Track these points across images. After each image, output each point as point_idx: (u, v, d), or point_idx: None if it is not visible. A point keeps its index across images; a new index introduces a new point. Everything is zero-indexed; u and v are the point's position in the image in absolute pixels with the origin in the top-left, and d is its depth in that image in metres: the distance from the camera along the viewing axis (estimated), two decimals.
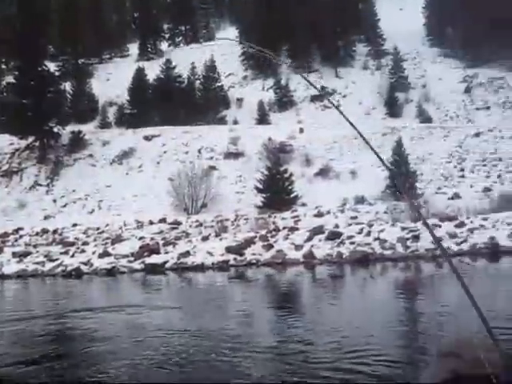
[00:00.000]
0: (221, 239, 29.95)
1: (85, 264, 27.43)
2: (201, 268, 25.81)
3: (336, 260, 25.44)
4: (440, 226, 27.35)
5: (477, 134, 56.31)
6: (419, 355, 8.57)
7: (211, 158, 56.00)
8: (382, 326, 10.98)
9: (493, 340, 2.34)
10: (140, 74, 73.79)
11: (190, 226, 37.95)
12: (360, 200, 42.46)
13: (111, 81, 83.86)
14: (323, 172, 51.18)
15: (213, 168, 52.54)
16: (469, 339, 2.38)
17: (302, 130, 59.21)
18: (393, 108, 72.39)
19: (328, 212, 37.38)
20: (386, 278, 21.41)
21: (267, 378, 7.95)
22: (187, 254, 27.48)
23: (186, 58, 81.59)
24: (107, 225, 40.34)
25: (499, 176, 47.59)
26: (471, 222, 28.04)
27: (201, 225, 38.03)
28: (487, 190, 42.47)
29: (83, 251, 30.66)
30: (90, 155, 58.80)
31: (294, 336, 10.57)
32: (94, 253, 29.52)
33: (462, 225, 27.49)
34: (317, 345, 9.85)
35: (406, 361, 8.36)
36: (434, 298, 15.30)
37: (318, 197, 43.20)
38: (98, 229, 39.10)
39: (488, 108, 72.21)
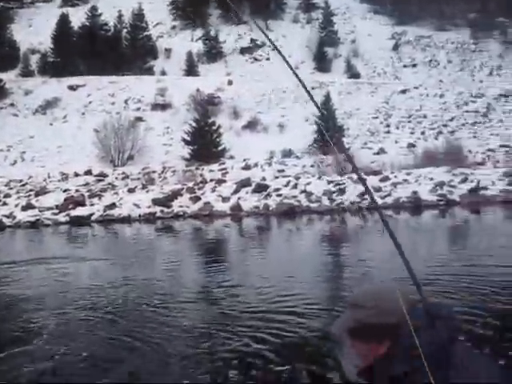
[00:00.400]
0: (147, 191, 29.70)
1: (7, 217, 26.75)
2: (127, 220, 25.58)
3: (263, 212, 25.68)
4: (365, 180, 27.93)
5: (403, 91, 57.42)
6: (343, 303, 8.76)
7: (138, 109, 55.04)
8: (309, 275, 11.15)
9: (417, 288, 2.36)
10: (64, 21, 71.23)
11: (117, 178, 37.44)
12: (287, 153, 42.76)
13: (33, 27, 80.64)
14: (251, 125, 51.15)
15: (139, 119, 51.69)
16: (378, 289, 2.39)
17: (230, 83, 58.83)
18: (322, 63, 72.79)
19: (255, 165, 37.51)
20: (312, 230, 21.74)
21: (198, 327, 7.96)
22: (113, 206, 27.15)
23: (113, 6, 79.12)
24: (30, 177, 39.31)
25: (423, 133, 48.79)
26: (395, 176, 28.77)
27: (127, 177, 37.55)
28: (411, 145, 43.50)
29: (5, 204, 29.87)
30: (12, 104, 56.76)
31: (223, 286, 10.61)
32: (16, 205, 28.82)
33: (386, 179, 28.18)
34: (245, 294, 9.92)
35: (332, 308, 8.53)
36: (358, 248, 15.66)
37: (246, 150, 43.23)
38: (20, 181, 38.07)
39: (415, 66, 73.66)
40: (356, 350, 2.44)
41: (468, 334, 6.98)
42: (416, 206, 25.57)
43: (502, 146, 42.45)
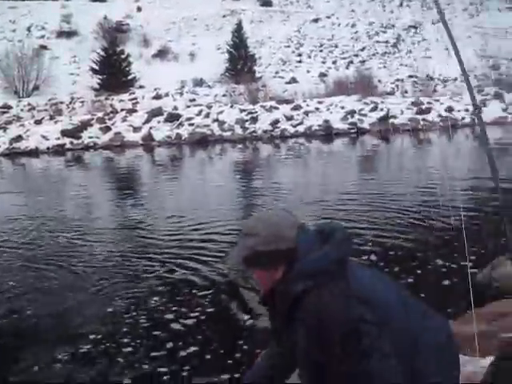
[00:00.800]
0: (56, 122, 28.65)
1: None
2: (35, 153, 24.73)
3: (175, 142, 25.43)
4: (277, 109, 28.03)
5: (315, 20, 57.20)
6: None
7: (42, 36, 52.42)
8: (223, 204, 11.21)
9: None
10: None
11: (22, 110, 35.86)
12: (199, 83, 42.11)
13: None
14: (161, 54, 49.84)
15: (44, 48, 49.32)
16: (269, 216, 2.45)
17: (139, 9, 56.80)
18: None
19: (166, 94, 36.78)
20: (225, 159, 21.75)
21: (112, 255, 7.90)
22: (20, 138, 26.13)
23: None
24: None
25: (335, 62, 49.09)
26: (307, 105, 28.96)
27: (33, 108, 36.04)
28: (323, 75, 43.73)
29: None
30: None
31: (138, 216, 10.54)
32: None
33: (298, 108, 28.34)
34: (162, 223, 9.90)
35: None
36: (270, 176, 15.83)
37: (157, 79, 42.18)
38: None
39: None
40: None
41: (379, 254, 7.28)
42: (327, 134, 25.97)
43: (410, 76, 43.38)
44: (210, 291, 6.36)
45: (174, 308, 5.95)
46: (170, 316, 5.76)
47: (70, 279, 6.97)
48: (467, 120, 26.90)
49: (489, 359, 2.43)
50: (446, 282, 6.31)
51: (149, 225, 9.88)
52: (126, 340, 5.24)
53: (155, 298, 6.22)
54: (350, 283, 2.37)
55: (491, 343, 3.43)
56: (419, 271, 6.52)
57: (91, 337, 5.32)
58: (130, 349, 5.07)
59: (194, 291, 6.37)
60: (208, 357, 4.83)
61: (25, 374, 4.67)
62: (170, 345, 5.10)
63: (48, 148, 25.32)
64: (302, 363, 2.52)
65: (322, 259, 2.35)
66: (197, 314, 5.75)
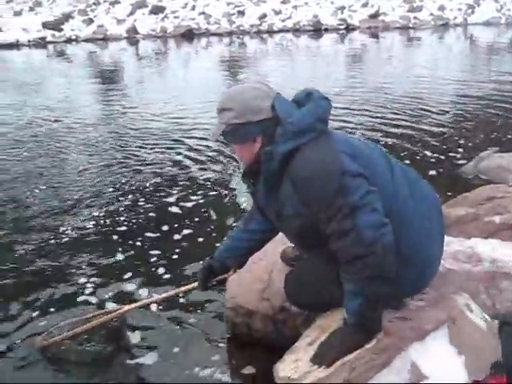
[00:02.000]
0: (36, 14, 27.66)
1: None
2: (15, 46, 23.91)
3: (160, 35, 24.79)
4: (265, 2, 27.26)
5: None
6: None
7: None
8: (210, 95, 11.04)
9: None
10: None
11: None
12: None
13: None
14: None
15: None
16: (242, 89, 2.49)
17: None
18: None
19: None
20: (210, 53, 21.25)
21: (111, 143, 7.83)
22: None
23: None
24: None
25: None
26: None
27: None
28: None
29: None
30: None
31: (125, 108, 10.39)
32: None
33: (286, 1, 27.54)
34: (146, 113, 9.79)
35: None
36: (257, 69, 15.58)
37: None
38: None
39: None
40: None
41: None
42: (316, 29, 25.40)
43: None
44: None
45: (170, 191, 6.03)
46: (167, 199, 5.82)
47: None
48: (459, 20, 26.43)
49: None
50: (434, 172, 6.34)
51: (136, 113, 9.79)
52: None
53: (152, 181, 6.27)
54: (336, 141, 2.40)
55: (475, 225, 3.48)
56: (407, 161, 6.51)
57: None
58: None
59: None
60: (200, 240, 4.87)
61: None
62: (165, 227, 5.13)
63: (29, 41, 24.53)
64: (289, 228, 2.56)
65: (305, 117, 2.37)
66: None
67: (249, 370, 3.14)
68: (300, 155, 2.32)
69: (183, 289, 3.27)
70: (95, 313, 3.46)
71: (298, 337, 2.87)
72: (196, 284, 3.09)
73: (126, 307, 3.35)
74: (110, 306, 3.81)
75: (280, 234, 2.88)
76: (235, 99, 2.43)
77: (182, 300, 3.89)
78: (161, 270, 4.38)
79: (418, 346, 2.26)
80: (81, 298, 4.00)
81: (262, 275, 3.27)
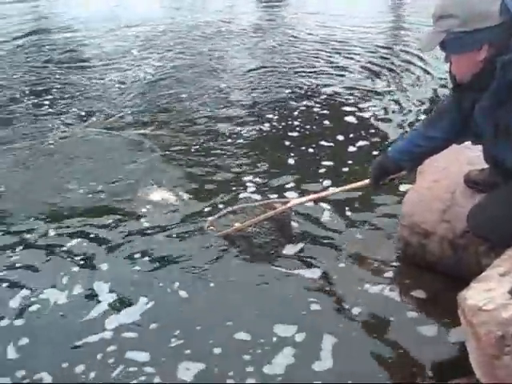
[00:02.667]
0: None
1: None
2: None
3: None
4: None
5: None
6: None
7: None
8: None
9: None
10: None
11: None
12: None
13: None
14: None
15: None
16: None
17: None
18: None
19: None
20: None
21: None
22: None
23: None
24: None
25: None
26: None
27: None
28: None
29: None
30: None
31: None
32: None
33: None
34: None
35: None
36: None
37: None
38: None
39: None
40: None
41: None
42: None
43: None
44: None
45: None
46: None
47: None
48: None
49: None
50: None
51: None
52: None
53: None
54: None
55: None
56: None
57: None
58: None
59: None
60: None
61: None
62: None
63: None
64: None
65: None
66: None
67: (419, 293, 2.93)
68: None
69: (353, 185, 3.22)
70: (263, 201, 3.63)
71: (478, 265, 2.65)
72: (367, 181, 3.04)
73: (292, 201, 3.46)
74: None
75: (468, 154, 2.81)
76: (459, 4, 2.14)
77: (351, 201, 3.79)
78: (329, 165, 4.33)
79: None
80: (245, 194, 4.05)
81: (443, 195, 3.00)
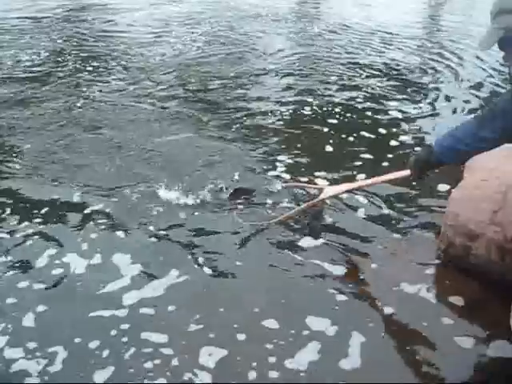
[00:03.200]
0: None
1: None
2: None
3: None
4: None
5: None
6: None
7: None
8: None
9: None
10: None
11: None
12: None
13: None
14: None
15: None
16: None
17: None
18: None
19: None
20: None
21: None
22: None
23: None
24: None
25: None
26: None
27: None
28: None
29: None
30: None
31: None
32: None
33: None
34: None
35: None
36: None
37: None
38: None
39: None
40: None
41: None
42: None
43: None
44: None
45: None
46: None
47: None
48: None
49: None
50: None
51: None
52: None
53: None
54: None
55: None
56: None
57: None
58: None
59: None
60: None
61: None
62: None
63: None
64: None
65: None
66: None
67: (458, 299, 2.73)
68: None
69: (392, 176, 3.06)
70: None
71: None
72: (408, 172, 2.88)
73: (326, 191, 3.38)
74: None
75: None
76: None
77: (390, 195, 3.63)
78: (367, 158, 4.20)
79: None
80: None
81: (494, 195, 2.80)
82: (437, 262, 2.97)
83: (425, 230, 3.27)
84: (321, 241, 3.19)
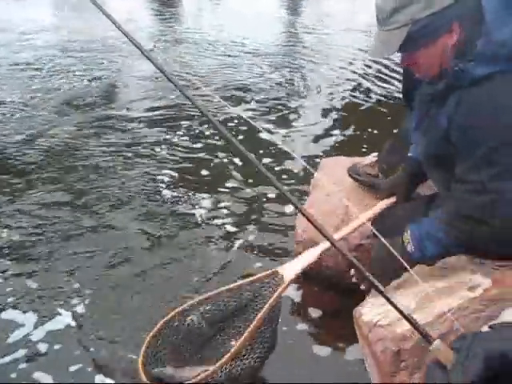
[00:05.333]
0: None
1: None
2: None
3: None
4: None
5: None
6: None
7: None
8: None
9: None
10: None
11: None
12: None
13: None
14: None
15: None
16: None
17: None
18: None
19: None
20: None
21: None
22: None
23: None
24: None
25: None
26: None
27: None
28: None
29: None
30: None
31: None
32: None
33: None
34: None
35: None
36: None
37: None
38: None
39: None
40: None
41: None
42: None
43: None
44: None
45: None
46: None
47: None
48: None
49: None
50: None
51: None
52: None
53: None
54: None
55: None
56: None
57: None
58: None
59: None
60: None
61: None
62: None
63: None
64: (428, 159, 2.19)
65: None
66: None
67: (314, 312, 2.86)
68: (489, 85, 1.83)
69: (376, 209, 2.60)
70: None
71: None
72: (392, 199, 2.57)
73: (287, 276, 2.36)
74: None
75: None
76: None
77: (244, 225, 3.64)
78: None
79: None
80: None
81: (338, 209, 2.96)
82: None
83: (282, 248, 3.38)
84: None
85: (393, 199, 2.57)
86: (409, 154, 2.51)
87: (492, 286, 1.96)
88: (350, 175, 3.10)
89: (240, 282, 2.41)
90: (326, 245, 2.42)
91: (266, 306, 2.22)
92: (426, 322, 1.88)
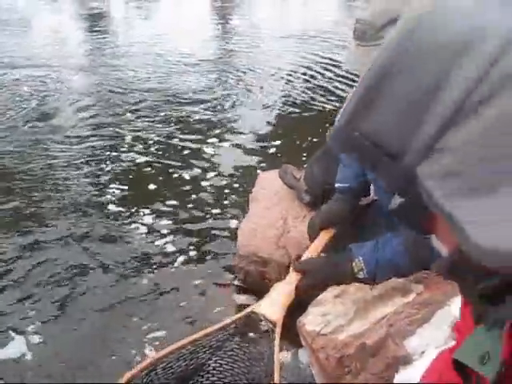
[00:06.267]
0: None
1: None
2: None
3: None
4: None
5: None
6: None
7: None
8: None
9: None
10: None
11: None
12: None
13: None
14: None
15: None
16: None
17: None
18: None
19: None
20: None
21: None
22: None
23: None
24: None
25: None
26: None
27: None
28: None
29: None
30: None
31: None
32: None
33: None
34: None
35: None
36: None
37: None
38: None
39: None
40: None
41: None
42: None
43: None
44: None
45: None
46: None
47: None
48: None
49: None
50: None
51: None
52: None
53: None
54: None
55: None
56: None
57: None
58: None
59: None
60: None
61: None
62: None
63: None
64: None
65: None
66: None
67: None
68: None
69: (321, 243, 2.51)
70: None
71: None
72: (333, 230, 2.53)
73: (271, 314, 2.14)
74: None
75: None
76: None
77: (190, 246, 3.69)
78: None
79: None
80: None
81: (276, 222, 3.07)
82: (238, 291, 3.17)
83: (224, 263, 3.46)
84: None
85: (332, 231, 2.53)
86: (336, 185, 2.51)
87: (424, 290, 2.10)
88: (279, 175, 3.28)
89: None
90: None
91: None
92: (364, 328, 2.01)
